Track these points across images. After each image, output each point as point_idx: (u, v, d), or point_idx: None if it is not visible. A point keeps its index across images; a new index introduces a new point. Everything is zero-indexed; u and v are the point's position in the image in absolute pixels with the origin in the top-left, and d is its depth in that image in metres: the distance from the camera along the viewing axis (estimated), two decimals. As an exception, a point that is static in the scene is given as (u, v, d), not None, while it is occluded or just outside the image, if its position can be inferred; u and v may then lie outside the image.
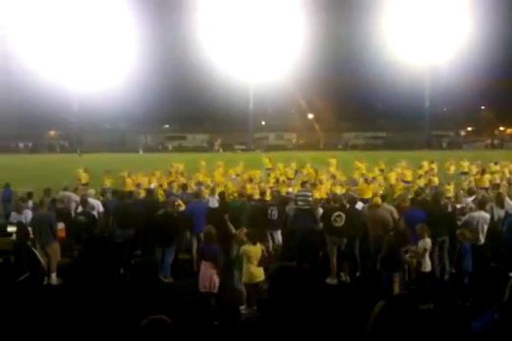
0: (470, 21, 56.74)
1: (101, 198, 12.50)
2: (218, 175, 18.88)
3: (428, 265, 7.69)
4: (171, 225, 9.23)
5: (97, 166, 25.18)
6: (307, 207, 10.35)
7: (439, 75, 60.80)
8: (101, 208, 11.40)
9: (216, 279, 7.02)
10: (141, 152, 61.15)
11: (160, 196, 12.90)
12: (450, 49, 59.54)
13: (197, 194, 11.11)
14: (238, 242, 8.03)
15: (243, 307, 7.42)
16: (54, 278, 9.09)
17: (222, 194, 11.12)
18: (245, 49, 64.95)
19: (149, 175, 18.39)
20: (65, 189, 13.36)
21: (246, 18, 63.51)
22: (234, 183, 17.15)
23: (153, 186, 16.13)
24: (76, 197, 12.57)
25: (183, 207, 10.68)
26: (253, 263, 7.20)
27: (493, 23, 54.36)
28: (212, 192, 12.08)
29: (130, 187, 16.30)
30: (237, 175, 19.92)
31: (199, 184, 16.49)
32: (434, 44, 62.41)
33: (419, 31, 61.86)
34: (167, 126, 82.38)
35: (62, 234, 9.82)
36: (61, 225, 9.81)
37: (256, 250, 7.26)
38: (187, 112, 71.61)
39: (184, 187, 14.17)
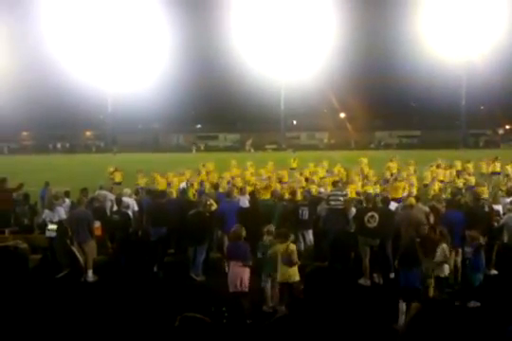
0: (507, 17, 54.89)
1: (135, 197, 12.74)
2: (249, 175, 18.93)
3: (445, 270, 7.47)
4: (203, 225, 9.34)
5: (132, 165, 25.65)
6: (340, 207, 10.26)
7: (475, 71, 58.98)
8: (136, 207, 11.65)
9: (246, 279, 7.06)
10: (194, 151, 61.80)
11: (192, 195, 13.04)
12: (487, 45, 57.70)
13: (229, 194, 11.18)
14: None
15: (265, 307, 7.45)
16: (90, 275, 9.34)
17: (253, 194, 11.16)
18: (276, 49, 64.89)
19: (179, 175, 18.58)
20: (101, 188, 13.71)
21: (277, 17, 63.46)
22: (263, 182, 17.13)
23: (184, 185, 16.30)
24: (112, 196, 12.88)
25: (215, 207, 10.79)
26: (282, 262, 7.23)
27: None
28: (243, 192, 12.12)
29: (162, 186, 16.53)
30: (268, 177, 19.87)
31: (230, 183, 16.56)
32: (471, 39, 60.63)
33: (455, 27, 60.25)
34: (199, 126, 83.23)
35: (98, 232, 10.08)
36: (97, 224, 10.07)
37: (283, 248, 7.27)
38: (219, 112, 72.16)
39: (216, 186, 14.28)
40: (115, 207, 11.79)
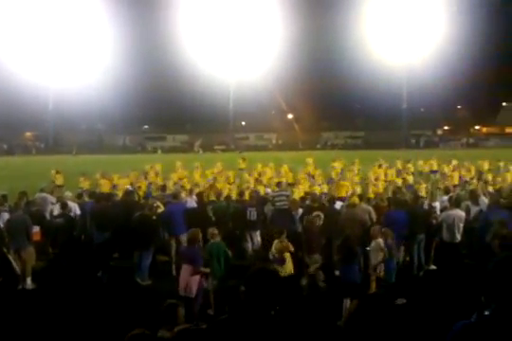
0: (446, 21, 57.81)
1: (78, 200, 12.30)
2: (197, 176, 18.82)
3: (381, 265, 7.51)
4: (148, 228, 9.13)
5: (74, 167, 24.80)
6: (285, 207, 10.37)
7: (416, 75, 61.72)
8: (78, 211, 11.24)
9: (194, 284, 6.94)
10: (160, 151, 60.32)
11: (138, 197, 12.76)
12: (427, 50, 60.53)
13: (175, 195, 11.02)
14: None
15: (210, 310, 7.37)
16: (29, 282, 8.90)
17: (200, 195, 11.09)
18: (225, 50, 64.85)
19: (124, 177, 18.18)
20: (42, 191, 13.14)
21: (225, 18, 63.43)
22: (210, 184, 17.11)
23: (130, 187, 15.94)
24: (52, 199, 12.37)
25: (162, 209, 10.60)
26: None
27: (468, 23, 55.57)
28: (190, 193, 12.02)
29: (105, 188, 16.06)
30: (214, 177, 19.84)
31: (177, 185, 16.39)
32: (411, 45, 63.37)
33: (396, 32, 62.75)
34: (146, 126, 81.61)
35: (37, 237, 9.63)
36: (36, 228, 9.61)
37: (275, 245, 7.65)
38: (166, 112, 71.08)
39: (163, 188, 14.07)
40: (56, 211, 11.31)
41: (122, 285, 8.93)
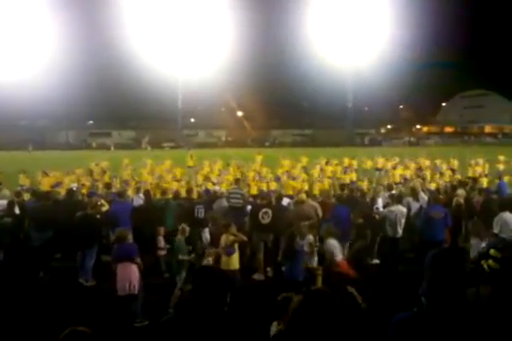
0: (390, 24, 59.97)
1: (17, 199, 11.71)
2: (145, 173, 18.48)
3: (313, 262, 7.39)
4: (91, 227, 8.84)
5: (12, 164, 23.63)
6: (239, 205, 10.38)
7: (361, 76, 63.73)
8: (17, 210, 10.71)
9: (135, 280, 6.81)
10: (113, 148, 58.34)
11: (82, 196, 12.34)
12: (372, 52, 62.53)
13: (121, 193, 10.74)
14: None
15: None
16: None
17: (147, 193, 10.88)
18: (174, 46, 63.89)
19: (69, 174, 17.53)
20: (-24, 190, 12.44)
21: (175, 15, 62.48)
22: (161, 181, 16.86)
23: (74, 185, 15.38)
24: (-13, 198, 11.70)
25: (106, 208, 10.31)
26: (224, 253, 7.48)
27: (412, 26, 58.02)
28: (137, 191, 11.78)
29: (46, 186, 15.38)
30: (160, 175, 19.53)
31: (124, 183, 16.01)
32: (357, 46, 65.26)
33: (343, 34, 64.38)
34: (91, 122, 78.93)
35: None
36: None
37: (224, 240, 7.56)
38: (113, 108, 69.15)
39: (108, 186, 13.69)
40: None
41: (66, 286, 8.62)
